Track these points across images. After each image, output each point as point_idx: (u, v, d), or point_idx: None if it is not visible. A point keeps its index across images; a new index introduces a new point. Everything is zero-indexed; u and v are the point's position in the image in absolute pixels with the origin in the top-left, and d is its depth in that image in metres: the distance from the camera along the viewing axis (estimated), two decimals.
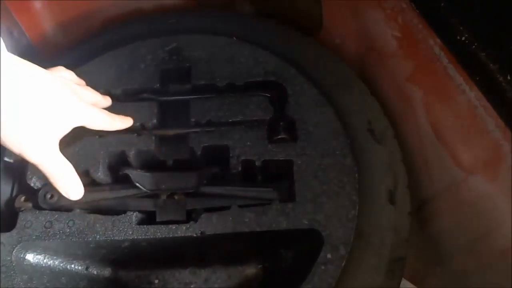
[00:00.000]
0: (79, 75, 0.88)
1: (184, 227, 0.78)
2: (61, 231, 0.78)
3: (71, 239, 0.78)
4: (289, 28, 1.00)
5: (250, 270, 0.89)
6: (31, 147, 0.59)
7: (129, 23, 1.04)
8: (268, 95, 0.88)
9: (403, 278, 0.81)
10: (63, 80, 0.66)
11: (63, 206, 0.81)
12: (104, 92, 0.88)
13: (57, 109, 0.60)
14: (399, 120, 0.93)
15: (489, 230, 0.81)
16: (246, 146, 0.83)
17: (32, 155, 0.60)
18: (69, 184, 0.70)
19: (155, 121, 0.86)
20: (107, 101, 0.82)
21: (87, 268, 0.87)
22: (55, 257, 0.83)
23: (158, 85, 0.91)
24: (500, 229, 0.79)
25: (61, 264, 0.84)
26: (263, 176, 0.84)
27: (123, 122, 0.81)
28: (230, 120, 0.86)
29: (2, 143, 0.57)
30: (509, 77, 0.75)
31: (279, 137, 0.83)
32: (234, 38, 0.94)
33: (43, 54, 1.08)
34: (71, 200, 0.81)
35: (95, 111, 0.70)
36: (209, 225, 0.78)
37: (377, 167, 0.84)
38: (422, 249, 0.93)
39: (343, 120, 0.86)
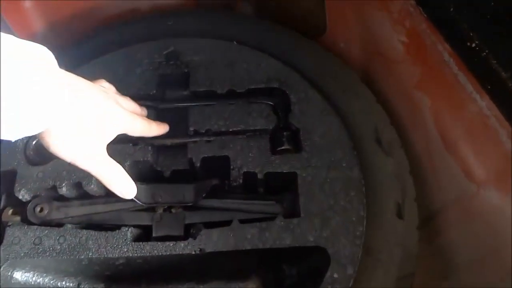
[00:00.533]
0: None
1: (182, 244, 0.74)
2: (51, 248, 0.74)
3: (62, 256, 0.73)
4: (292, 31, 0.96)
5: (251, 286, 0.85)
6: (83, 155, 0.62)
7: (124, 25, 0.99)
8: (271, 103, 0.84)
9: None
10: (106, 90, 0.68)
11: (54, 221, 0.77)
12: None
13: (104, 119, 0.63)
14: (407, 129, 0.90)
15: (501, 245, 0.77)
16: (248, 158, 0.79)
17: (84, 163, 0.62)
18: (122, 186, 0.69)
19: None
20: (143, 110, 0.81)
21: (78, 285, 0.82)
22: (44, 275, 0.79)
23: (155, 91, 0.86)
24: (511, 244, 0.75)
25: (51, 282, 0.80)
26: (266, 189, 0.80)
27: (159, 128, 0.78)
28: (231, 130, 0.82)
29: (53, 152, 0.59)
30: None
31: (283, 148, 0.79)
32: (235, 42, 0.90)
33: None
34: (62, 214, 0.77)
35: (135, 119, 0.71)
36: (209, 242, 0.74)
37: (385, 180, 0.80)
38: (429, 262, 0.90)
39: (349, 129, 0.82)
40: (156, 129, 0.77)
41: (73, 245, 0.74)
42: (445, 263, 0.88)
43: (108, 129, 0.65)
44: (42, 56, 0.52)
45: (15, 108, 0.48)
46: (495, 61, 0.75)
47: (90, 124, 0.61)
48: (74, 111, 0.58)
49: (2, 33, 0.48)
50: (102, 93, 0.65)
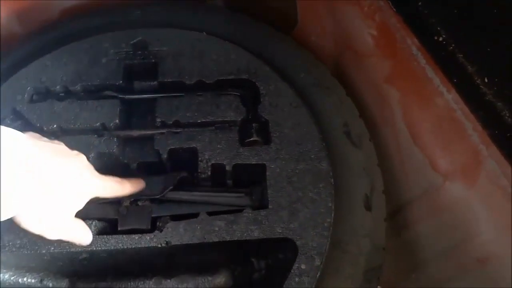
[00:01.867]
0: (35, 68, 0.83)
1: (148, 237, 0.72)
2: (10, 243, 0.71)
3: (22, 251, 0.70)
4: (262, 23, 0.95)
5: (220, 280, 0.84)
6: (51, 229, 0.61)
7: (91, 14, 0.97)
8: (240, 94, 0.83)
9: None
10: (73, 159, 0.63)
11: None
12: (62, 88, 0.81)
13: (72, 190, 0.61)
14: (376, 122, 0.91)
15: (467, 237, 0.79)
16: (216, 149, 0.78)
17: (52, 236, 0.61)
18: (82, 239, 0.67)
19: (117, 121, 0.80)
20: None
21: (41, 281, 0.79)
22: (4, 271, 0.75)
23: (121, 81, 0.84)
24: (478, 236, 0.77)
25: (12, 278, 0.76)
26: (234, 181, 0.79)
27: (133, 186, 0.73)
28: (199, 121, 0.80)
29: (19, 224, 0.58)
30: (486, 80, 0.74)
31: (252, 139, 0.79)
32: (204, 33, 0.88)
33: None
34: None
35: (104, 182, 0.67)
36: (175, 234, 0.72)
37: (353, 172, 0.81)
38: (396, 255, 0.91)
39: (318, 122, 0.82)
40: (130, 186, 0.72)
41: (34, 239, 0.71)
42: (412, 255, 0.89)
43: (78, 199, 0.63)
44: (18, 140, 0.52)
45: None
46: (462, 55, 0.76)
47: (58, 198, 0.59)
48: (40, 186, 0.56)
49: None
50: (71, 163, 0.62)
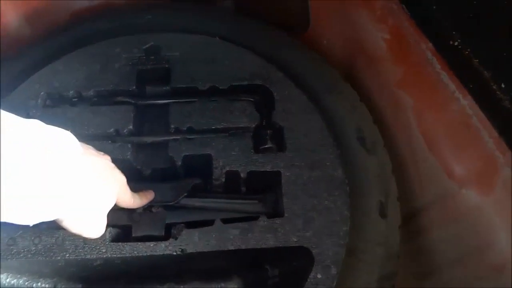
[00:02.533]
0: (47, 73, 0.82)
1: (163, 245, 0.72)
2: (25, 249, 0.71)
3: (37, 258, 0.70)
4: (275, 28, 0.94)
5: (232, 286, 0.83)
6: (90, 230, 0.62)
7: (102, 17, 0.96)
8: (254, 100, 0.82)
9: None
10: (109, 165, 0.64)
11: None
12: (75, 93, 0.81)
13: (113, 192, 0.62)
14: (389, 128, 0.90)
15: (481, 245, 0.78)
16: (231, 156, 0.78)
17: (90, 235, 0.63)
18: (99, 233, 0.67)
19: (131, 127, 0.80)
20: None
21: (55, 287, 0.79)
22: (18, 276, 0.75)
23: (134, 87, 0.84)
24: (493, 244, 0.76)
25: (26, 283, 0.76)
26: (248, 188, 0.78)
27: (142, 199, 0.73)
28: (213, 127, 0.80)
29: (74, 231, 0.60)
30: (503, 85, 0.73)
31: (266, 146, 0.78)
32: (217, 37, 0.88)
33: (6, 49, 0.99)
34: None
35: (126, 192, 0.67)
36: (190, 242, 0.72)
37: (368, 179, 0.80)
38: (410, 261, 0.90)
39: (332, 128, 0.81)
40: (139, 201, 0.72)
41: (49, 246, 0.71)
42: (426, 262, 0.88)
43: (113, 198, 0.63)
44: (68, 143, 0.52)
45: (41, 195, 0.48)
46: (477, 60, 0.75)
47: (100, 197, 0.60)
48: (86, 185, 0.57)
49: (29, 121, 0.48)
50: (109, 170, 0.63)
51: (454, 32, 0.78)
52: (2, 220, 0.48)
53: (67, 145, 0.52)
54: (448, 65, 0.80)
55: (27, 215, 0.49)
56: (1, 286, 0.75)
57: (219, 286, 0.82)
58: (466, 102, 0.77)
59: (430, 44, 0.82)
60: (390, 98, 0.90)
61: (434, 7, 0.81)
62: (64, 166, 0.50)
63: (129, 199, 0.68)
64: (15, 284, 0.76)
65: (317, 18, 1.02)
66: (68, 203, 0.53)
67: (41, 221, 0.52)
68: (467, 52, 0.77)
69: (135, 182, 0.76)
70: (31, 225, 0.51)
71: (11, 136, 0.45)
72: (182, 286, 0.82)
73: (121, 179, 0.64)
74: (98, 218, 0.62)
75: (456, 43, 0.78)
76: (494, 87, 0.73)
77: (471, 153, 0.78)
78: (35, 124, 0.49)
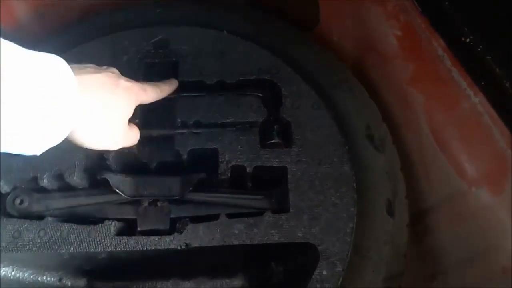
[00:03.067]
0: None
1: (167, 239, 0.71)
2: (31, 242, 0.71)
3: (42, 251, 0.70)
4: (285, 23, 0.94)
5: (237, 282, 0.83)
6: (114, 140, 0.66)
7: (111, 11, 0.96)
8: (262, 95, 0.82)
9: None
10: (111, 73, 0.67)
11: (34, 213, 0.74)
12: None
13: (119, 100, 0.64)
14: (399, 125, 0.88)
15: (491, 246, 0.77)
16: (237, 151, 0.77)
17: (112, 147, 0.67)
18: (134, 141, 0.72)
19: (137, 120, 0.79)
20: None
21: (60, 280, 0.80)
22: (24, 269, 0.76)
23: (141, 80, 0.83)
24: (503, 245, 0.74)
25: (31, 276, 0.77)
26: (254, 183, 0.78)
27: (168, 86, 0.77)
28: (220, 122, 0.79)
29: (89, 147, 0.62)
30: None
31: (273, 141, 0.77)
32: (225, 32, 0.87)
33: (18, 42, 0.99)
34: (43, 207, 0.75)
35: (144, 86, 0.70)
36: (195, 237, 0.71)
37: (376, 176, 0.79)
38: (417, 261, 0.89)
39: (341, 124, 0.80)
40: (167, 88, 0.76)
41: (54, 239, 0.71)
42: (433, 262, 0.87)
43: (125, 107, 0.66)
44: (56, 66, 0.52)
45: (39, 122, 0.49)
46: (490, 57, 0.74)
47: (108, 111, 0.62)
48: (91, 107, 0.59)
49: (12, 46, 0.48)
50: (110, 78, 0.65)
51: (466, 29, 0.77)
52: (8, 150, 0.49)
53: (56, 68, 0.52)
54: (460, 62, 0.78)
55: (30, 140, 0.49)
56: (7, 279, 0.75)
57: (223, 282, 0.82)
58: (477, 100, 0.76)
59: (442, 41, 0.80)
60: (400, 95, 0.88)
61: (447, 3, 0.79)
62: (59, 92, 0.51)
63: (153, 92, 0.71)
64: (21, 277, 0.76)
65: (327, 13, 1.01)
66: (70, 123, 0.54)
67: (47, 146, 0.52)
68: (479, 49, 0.75)
69: (141, 174, 0.77)
70: (38, 154, 0.52)
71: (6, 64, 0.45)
72: (187, 281, 0.83)
73: (129, 85, 0.66)
74: (112, 129, 0.64)
75: (468, 40, 0.76)
76: (507, 84, 0.72)
77: (482, 151, 0.76)
78: (29, 52, 0.49)
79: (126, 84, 0.66)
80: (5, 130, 0.46)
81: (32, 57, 0.49)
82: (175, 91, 0.78)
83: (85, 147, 0.62)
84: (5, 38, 0.47)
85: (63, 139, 0.55)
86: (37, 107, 0.48)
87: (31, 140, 0.50)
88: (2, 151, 0.49)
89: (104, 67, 0.67)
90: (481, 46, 0.75)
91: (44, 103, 0.49)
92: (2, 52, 0.45)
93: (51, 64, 0.51)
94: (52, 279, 0.79)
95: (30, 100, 0.47)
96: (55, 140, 0.53)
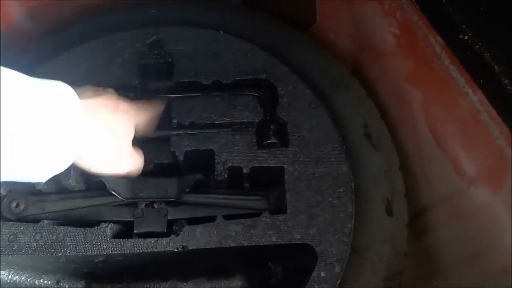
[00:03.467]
0: (49, 69, 0.81)
1: (164, 241, 0.71)
2: (27, 246, 0.70)
3: (38, 254, 0.70)
4: (280, 21, 0.93)
5: (236, 283, 0.83)
6: (118, 166, 0.67)
7: (105, 12, 0.95)
8: (258, 95, 0.81)
9: None
10: (111, 95, 0.68)
11: (30, 216, 0.74)
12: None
13: (121, 124, 0.65)
14: (397, 124, 0.88)
15: (491, 244, 0.76)
16: (233, 151, 0.76)
17: (120, 170, 0.67)
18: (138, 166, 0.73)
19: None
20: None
21: (57, 283, 0.79)
22: (21, 272, 0.75)
23: (136, 82, 0.83)
24: (503, 243, 0.74)
25: (28, 279, 0.76)
26: (251, 184, 0.77)
27: (160, 104, 0.78)
28: (216, 122, 0.79)
29: (96, 173, 0.64)
30: None
31: (269, 141, 0.77)
32: (221, 31, 0.86)
33: (11, 43, 0.98)
34: (39, 210, 0.74)
35: (141, 107, 0.72)
36: (192, 239, 0.71)
37: (374, 175, 0.78)
38: (417, 260, 0.89)
39: (338, 123, 0.79)
40: (158, 106, 0.76)
41: (49, 242, 0.71)
42: (432, 261, 0.86)
43: (127, 129, 0.66)
44: (62, 93, 0.53)
45: (46, 150, 0.50)
46: (488, 55, 0.74)
47: (112, 134, 0.63)
48: (94, 131, 0.60)
49: (16, 75, 0.48)
50: (110, 100, 0.65)
51: (464, 26, 0.76)
52: (14, 178, 0.49)
53: (66, 100, 0.53)
54: (458, 60, 0.78)
55: (37, 169, 0.50)
56: (4, 283, 0.75)
57: (222, 283, 0.82)
58: (476, 98, 0.75)
59: (439, 38, 0.80)
60: (398, 93, 0.88)
61: (444, 0, 0.79)
62: (65, 119, 0.52)
63: (147, 112, 0.72)
64: (17, 281, 0.76)
65: (323, 11, 1.01)
66: (75, 149, 0.55)
67: (53, 173, 0.53)
68: (477, 47, 0.75)
69: (137, 177, 0.76)
70: (43, 181, 0.52)
71: (13, 93, 0.45)
72: (185, 283, 0.82)
73: (127, 107, 0.66)
74: (118, 151, 0.64)
75: (466, 37, 0.76)
76: (505, 82, 0.72)
77: (481, 150, 0.76)
78: (35, 81, 0.49)
79: (125, 106, 0.66)
80: (11, 160, 0.46)
81: (37, 86, 0.49)
82: (165, 108, 0.79)
83: (92, 173, 0.62)
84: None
85: (68, 165, 0.55)
86: (44, 135, 0.48)
87: (38, 168, 0.50)
88: (8, 179, 0.49)
89: (101, 88, 0.67)
90: (479, 44, 0.75)
91: (50, 130, 0.49)
92: (5, 82, 0.45)
93: (57, 92, 0.52)
94: (50, 282, 0.79)
95: (36, 129, 0.48)
96: (61, 167, 0.53)
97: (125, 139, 0.65)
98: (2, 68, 0.46)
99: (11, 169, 0.47)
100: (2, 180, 0.48)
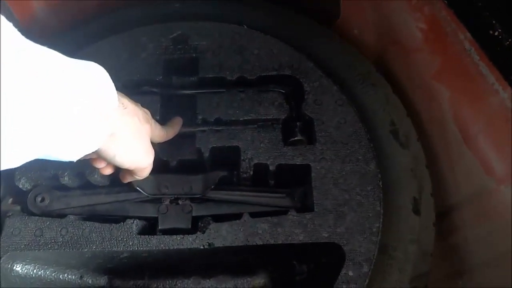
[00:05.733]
0: None
1: (190, 238, 0.70)
2: (53, 241, 0.70)
3: (64, 249, 0.70)
4: (305, 16, 0.91)
5: (259, 281, 0.82)
6: (141, 156, 0.65)
7: (128, 6, 0.94)
8: (283, 91, 0.80)
9: None
10: (149, 118, 0.68)
11: (55, 211, 0.74)
12: None
13: (143, 126, 0.65)
14: (424, 121, 0.86)
15: None
16: (259, 148, 0.76)
17: (143, 162, 0.66)
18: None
19: (158, 117, 0.78)
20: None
21: (81, 277, 0.79)
22: (46, 267, 0.75)
23: (161, 77, 0.82)
24: None
25: (53, 274, 0.76)
26: (277, 181, 0.76)
27: (174, 128, 0.76)
28: (241, 119, 0.78)
29: (118, 161, 0.62)
30: None
31: (296, 139, 0.76)
32: (245, 26, 0.85)
33: (33, 38, 0.98)
34: (64, 204, 0.74)
35: (157, 126, 0.71)
36: (218, 236, 0.70)
37: (401, 173, 0.77)
38: (442, 260, 0.87)
39: (365, 120, 0.78)
40: (172, 130, 0.75)
41: (76, 237, 0.71)
42: (459, 260, 0.85)
43: (147, 136, 0.66)
44: (100, 75, 0.53)
45: (81, 130, 0.50)
46: None
47: (138, 131, 0.63)
48: (125, 125, 0.60)
49: (62, 58, 0.49)
50: (145, 116, 0.66)
51: (494, 21, 0.74)
52: (47, 155, 0.50)
53: (100, 78, 0.53)
54: (487, 56, 0.76)
55: (71, 146, 0.50)
56: (29, 277, 0.75)
57: (245, 281, 0.81)
58: (506, 95, 0.73)
59: (469, 34, 0.78)
60: (425, 90, 0.86)
61: None
62: (100, 99, 0.52)
63: (161, 132, 0.71)
64: (42, 275, 0.76)
65: (348, 6, 0.99)
66: (108, 131, 0.55)
67: (85, 153, 0.53)
68: (508, 43, 0.73)
69: (162, 173, 0.76)
70: (74, 160, 0.52)
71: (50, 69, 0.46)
72: (208, 280, 0.82)
73: (153, 128, 0.67)
74: (141, 146, 0.64)
75: (496, 33, 0.74)
76: None
77: (511, 148, 0.74)
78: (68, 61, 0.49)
79: (152, 126, 0.67)
80: (47, 136, 0.47)
81: (77, 66, 0.50)
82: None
83: (115, 161, 0.62)
84: (21, 33, 0.46)
85: (100, 146, 0.55)
86: (77, 112, 0.49)
87: (72, 145, 0.51)
88: (42, 157, 0.49)
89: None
90: (510, 40, 0.73)
91: (84, 108, 0.50)
92: (49, 62, 0.46)
93: (96, 74, 0.53)
94: (74, 276, 0.79)
95: (70, 105, 0.48)
96: (92, 146, 0.54)
97: (148, 134, 0.66)
98: (39, 46, 0.46)
99: (42, 144, 0.48)
100: (34, 157, 0.48)
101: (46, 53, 0.47)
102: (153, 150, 0.68)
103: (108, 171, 0.68)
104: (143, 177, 0.70)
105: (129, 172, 0.68)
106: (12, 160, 0.46)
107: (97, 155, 0.60)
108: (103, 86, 0.53)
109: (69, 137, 0.49)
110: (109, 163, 0.64)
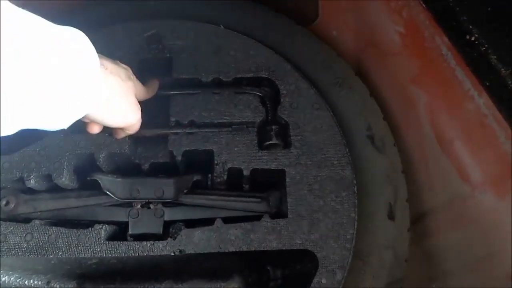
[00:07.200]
0: None
1: (161, 245, 0.68)
2: (17, 247, 0.68)
3: (28, 256, 0.67)
4: (283, 17, 0.90)
5: (233, 286, 0.80)
6: (131, 115, 0.66)
7: (102, 4, 0.91)
8: (260, 93, 0.78)
9: None
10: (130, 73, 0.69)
11: (21, 215, 0.71)
12: None
13: (130, 86, 0.66)
14: (400, 125, 0.86)
15: (495, 251, 0.75)
16: (234, 152, 0.74)
17: (131, 119, 0.67)
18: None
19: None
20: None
21: (48, 283, 0.76)
22: (10, 273, 0.73)
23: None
24: (505, 250, 0.73)
25: (18, 280, 0.74)
26: (252, 186, 0.75)
27: (153, 88, 0.76)
28: (216, 122, 0.76)
29: (108, 122, 0.64)
30: None
31: (271, 142, 0.74)
32: (222, 26, 0.83)
33: None
34: (30, 208, 0.71)
35: (140, 85, 0.72)
36: (189, 243, 0.69)
37: (377, 179, 0.77)
38: (416, 265, 0.87)
39: (341, 125, 0.77)
40: (151, 91, 0.75)
41: (41, 243, 0.68)
42: (433, 265, 0.85)
43: (131, 88, 0.67)
44: (81, 41, 0.54)
45: (68, 96, 0.51)
46: (495, 57, 0.72)
47: (124, 93, 0.64)
48: (110, 86, 0.61)
49: (44, 21, 0.49)
50: (126, 71, 0.67)
51: (471, 27, 0.74)
52: (36, 125, 0.50)
53: (81, 44, 0.54)
54: (464, 61, 0.75)
55: (57, 113, 0.51)
56: None
57: (218, 286, 0.80)
58: (482, 101, 0.74)
59: (446, 39, 0.78)
60: (402, 94, 0.86)
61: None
62: (84, 65, 0.53)
63: (142, 88, 0.71)
64: (6, 281, 0.73)
65: (326, 7, 0.98)
66: (95, 94, 0.55)
67: (73, 120, 0.54)
68: (484, 48, 0.73)
69: (133, 176, 0.74)
70: (65, 127, 0.53)
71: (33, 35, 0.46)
72: (180, 285, 0.80)
73: (136, 83, 0.68)
74: (131, 102, 0.65)
75: (473, 38, 0.74)
76: None
77: (486, 154, 0.74)
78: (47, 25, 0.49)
79: (134, 82, 0.68)
80: (32, 104, 0.47)
81: (58, 31, 0.51)
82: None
83: (105, 123, 0.63)
84: None
85: (87, 112, 0.56)
86: (64, 79, 0.50)
87: (58, 112, 0.51)
88: (31, 127, 0.50)
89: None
90: (486, 45, 0.72)
91: (70, 75, 0.50)
92: (30, 26, 0.46)
93: (77, 37, 0.53)
94: (40, 282, 0.76)
95: (54, 72, 0.48)
96: (81, 111, 0.55)
97: (132, 90, 0.67)
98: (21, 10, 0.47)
99: (30, 113, 0.48)
100: (22, 127, 0.49)
101: (30, 17, 0.47)
102: (139, 106, 0.68)
103: (96, 129, 0.67)
104: (135, 132, 0.70)
105: (121, 128, 0.68)
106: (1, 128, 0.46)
107: (88, 119, 0.61)
108: (85, 49, 0.53)
109: (56, 102, 0.49)
110: (100, 124, 0.65)
